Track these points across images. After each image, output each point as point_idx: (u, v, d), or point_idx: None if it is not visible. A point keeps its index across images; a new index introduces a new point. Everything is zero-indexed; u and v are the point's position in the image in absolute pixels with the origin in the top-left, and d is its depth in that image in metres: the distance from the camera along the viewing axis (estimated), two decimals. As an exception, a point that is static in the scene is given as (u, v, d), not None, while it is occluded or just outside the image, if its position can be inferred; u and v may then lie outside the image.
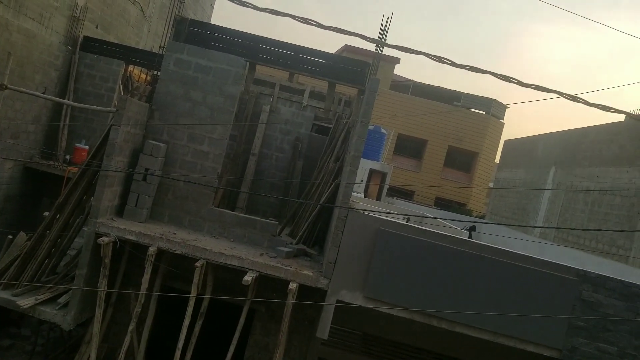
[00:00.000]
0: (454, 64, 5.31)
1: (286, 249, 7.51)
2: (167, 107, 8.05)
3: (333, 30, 5.24)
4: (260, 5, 5.32)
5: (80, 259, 7.16)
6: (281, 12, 5.23)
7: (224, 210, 8.35)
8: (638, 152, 13.17)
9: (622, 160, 13.76)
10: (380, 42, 6.47)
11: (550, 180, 17.83)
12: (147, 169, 7.68)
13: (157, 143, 7.78)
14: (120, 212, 7.75)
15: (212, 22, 20.61)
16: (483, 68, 5.26)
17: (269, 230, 8.00)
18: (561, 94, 5.22)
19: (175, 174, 7.95)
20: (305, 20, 5.19)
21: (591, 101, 5.29)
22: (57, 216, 7.64)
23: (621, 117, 14.32)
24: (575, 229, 13.60)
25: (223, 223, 8.01)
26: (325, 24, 5.28)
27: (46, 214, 7.87)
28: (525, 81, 5.34)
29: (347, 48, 27.67)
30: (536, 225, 17.35)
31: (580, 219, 15.00)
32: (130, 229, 7.12)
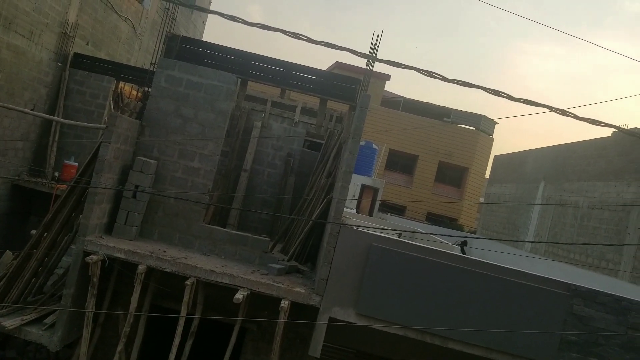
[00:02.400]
0: (444, 79, 5.37)
1: (278, 266, 7.44)
2: (157, 123, 8.03)
3: (324, 45, 5.28)
4: (250, 27, 5.35)
5: (68, 278, 7.04)
6: (271, 27, 5.26)
7: (215, 227, 8.28)
8: (625, 167, 13.35)
9: (609, 175, 13.93)
10: (371, 57, 6.54)
11: (539, 194, 17.97)
12: (137, 186, 7.62)
13: (148, 160, 7.74)
14: (109, 229, 7.66)
15: (203, 39, 20.74)
16: (473, 82, 5.33)
17: (261, 247, 7.95)
18: (551, 108, 5.30)
19: (166, 190, 7.89)
20: (296, 35, 5.22)
21: (579, 116, 5.36)
22: (45, 234, 7.52)
23: (608, 133, 14.55)
24: (566, 244, 13.67)
25: (214, 240, 7.94)
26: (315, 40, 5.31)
27: (33, 232, 7.75)
28: (515, 96, 5.40)
29: (338, 65, 27.91)
30: (527, 240, 17.42)
31: (570, 233, 15.10)
32: (120, 246, 7.02)
